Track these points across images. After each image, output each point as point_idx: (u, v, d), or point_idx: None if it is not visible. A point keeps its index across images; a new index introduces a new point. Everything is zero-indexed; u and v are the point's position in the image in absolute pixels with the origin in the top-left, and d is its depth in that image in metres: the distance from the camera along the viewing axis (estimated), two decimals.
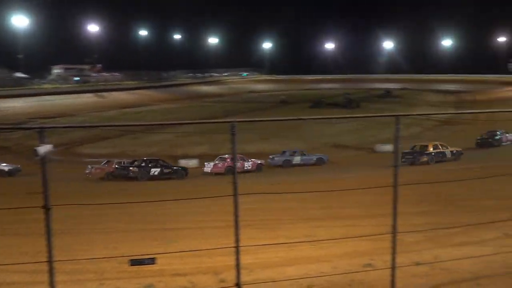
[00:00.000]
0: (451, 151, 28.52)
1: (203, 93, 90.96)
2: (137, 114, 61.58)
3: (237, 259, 4.65)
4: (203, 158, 31.99)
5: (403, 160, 26.66)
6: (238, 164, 28.95)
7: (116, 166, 27.59)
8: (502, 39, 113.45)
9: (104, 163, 28.26)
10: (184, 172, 27.22)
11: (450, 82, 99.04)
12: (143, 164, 26.99)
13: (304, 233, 10.19)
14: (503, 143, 32.02)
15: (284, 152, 32.17)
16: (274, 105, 70.26)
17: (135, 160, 27.87)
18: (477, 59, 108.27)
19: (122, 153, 36.28)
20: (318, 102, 67.36)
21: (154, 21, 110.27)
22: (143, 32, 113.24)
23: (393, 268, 5.32)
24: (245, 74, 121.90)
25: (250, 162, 29.55)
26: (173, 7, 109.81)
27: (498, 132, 32.30)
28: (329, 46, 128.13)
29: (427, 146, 28.44)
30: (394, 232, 5.23)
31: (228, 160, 28.47)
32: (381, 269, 6.07)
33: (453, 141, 34.89)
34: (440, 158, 27.75)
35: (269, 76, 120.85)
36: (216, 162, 28.88)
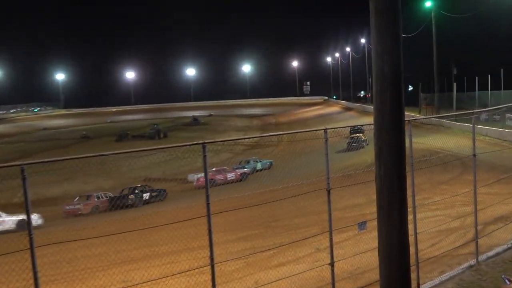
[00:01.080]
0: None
1: None
2: None
3: None
4: None
5: (350, 146, 31.41)
6: (221, 176, 31.06)
7: (106, 197, 28.81)
8: (296, 64, 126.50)
9: (79, 199, 28.49)
10: (165, 193, 29.52)
11: (253, 107, 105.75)
12: (136, 191, 28.83)
13: (119, 279, 9.78)
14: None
15: (243, 161, 36.51)
16: (75, 142, 66.85)
17: (123, 190, 29.61)
18: (276, 83, 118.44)
19: None
20: (123, 135, 65.81)
21: None
22: None
23: None
24: (36, 109, 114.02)
25: (233, 173, 32.20)
26: None
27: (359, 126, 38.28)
28: (130, 75, 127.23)
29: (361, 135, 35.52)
30: (212, 263, 5.28)
31: (211, 173, 30.82)
32: None
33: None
34: (365, 143, 34.69)
35: (65, 110, 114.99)
36: (199, 175, 31.19)
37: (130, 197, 28.30)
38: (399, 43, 4.74)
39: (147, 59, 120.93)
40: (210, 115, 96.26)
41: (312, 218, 13.09)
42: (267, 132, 57.99)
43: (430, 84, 57.26)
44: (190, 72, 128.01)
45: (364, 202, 13.45)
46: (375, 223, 4.32)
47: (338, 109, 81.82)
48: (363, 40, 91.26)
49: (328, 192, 6.15)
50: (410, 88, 71.14)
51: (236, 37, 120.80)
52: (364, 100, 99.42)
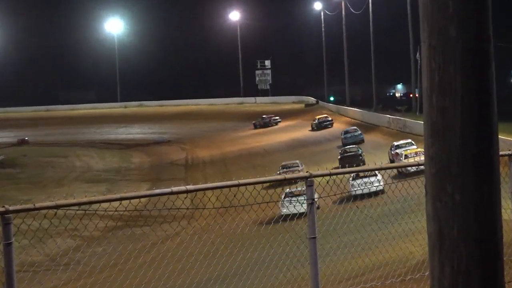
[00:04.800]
0: None
1: None
2: None
3: None
4: None
5: None
6: None
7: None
8: (237, 18, 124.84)
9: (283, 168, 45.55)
10: None
11: (133, 120, 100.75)
12: None
13: None
14: None
15: None
16: None
17: None
18: (191, 66, 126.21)
19: None
20: None
21: None
22: None
23: None
24: None
25: None
26: None
27: None
28: None
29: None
30: None
31: None
32: None
33: None
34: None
35: None
36: None
37: None
38: None
39: None
40: (22, 142, 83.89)
41: None
42: (166, 184, 53.26)
43: None
44: None
45: None
46: None
47: (340, 129, 72.04)
48: None
49: None
50: None
51: None
52: (403, 105, 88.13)
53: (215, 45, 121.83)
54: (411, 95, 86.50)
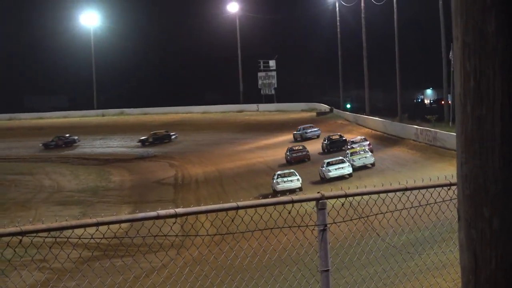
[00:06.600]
0: None
1: None
2: None
3: None
4: None
5: None
6: None
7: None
8: (235, 9, 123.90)
9: (292, 150, 63.45)
10: None
11: (109, 131, 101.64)
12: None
13: None
14: None
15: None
16: None
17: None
18: (182, 66, 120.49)
19: None
20: None
21: None
22: None
23: None
24: None
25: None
26: None
27: None
28: None
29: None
30: None
31: None
32: None
33: None
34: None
35: None
36: None
37: None
38: None
39: None
40: None
41: None
42: (151, 207, 54.73)
43: None
44: None
45: None
46: None
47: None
48: None
49: None
50: None
51: None
52: (433, 114, 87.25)
53: (210, 43, 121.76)
54: (442, 102, 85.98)
